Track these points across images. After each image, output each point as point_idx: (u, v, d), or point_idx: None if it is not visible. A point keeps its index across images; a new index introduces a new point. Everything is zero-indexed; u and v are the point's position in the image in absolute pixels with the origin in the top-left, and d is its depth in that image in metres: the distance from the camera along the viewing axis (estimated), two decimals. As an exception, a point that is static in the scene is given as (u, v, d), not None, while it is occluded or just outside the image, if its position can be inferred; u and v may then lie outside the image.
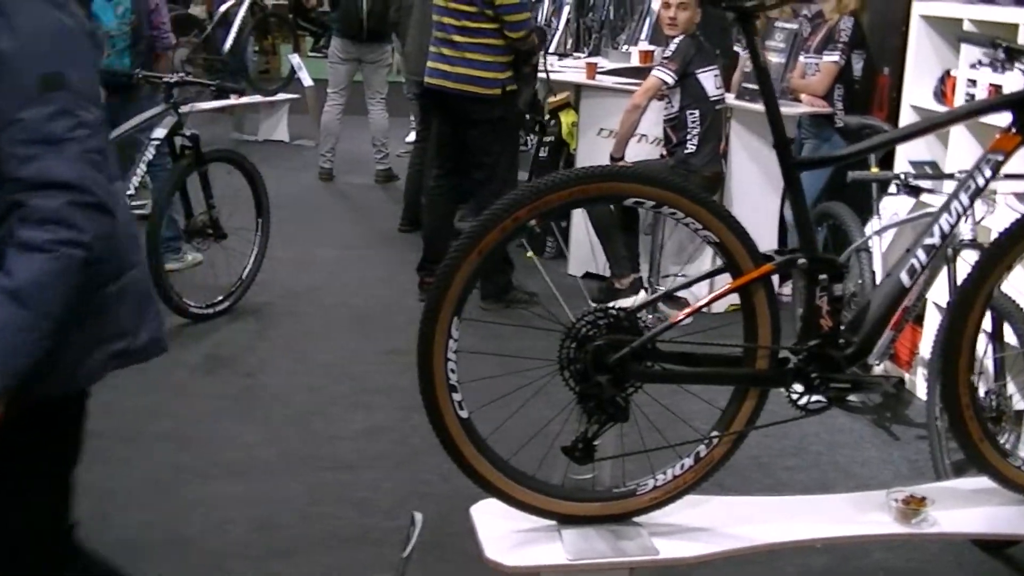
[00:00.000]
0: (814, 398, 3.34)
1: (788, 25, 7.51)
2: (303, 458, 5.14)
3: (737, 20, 3.23)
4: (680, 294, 5.53)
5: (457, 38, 7.10)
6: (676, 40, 7.10)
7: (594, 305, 3.15)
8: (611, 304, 3.20)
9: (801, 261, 3.25)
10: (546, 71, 7.88)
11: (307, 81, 12.34)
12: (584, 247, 7.91)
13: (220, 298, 7.00)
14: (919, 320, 5.96)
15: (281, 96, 12.83)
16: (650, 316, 3.16)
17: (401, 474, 5.03)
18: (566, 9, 11.16)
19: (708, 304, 3.26)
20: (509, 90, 7.13)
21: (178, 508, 4.67)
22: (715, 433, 3.35)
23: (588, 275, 7.92)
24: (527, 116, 8.00)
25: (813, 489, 4.90)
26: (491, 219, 3.01)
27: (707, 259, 7.44)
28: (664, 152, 7.36)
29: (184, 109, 6.72)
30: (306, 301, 7.45)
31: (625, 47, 9.74)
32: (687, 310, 3.24)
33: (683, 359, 3.25)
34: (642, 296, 7.07)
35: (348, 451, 5.24)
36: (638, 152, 7.40)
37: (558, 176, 3.06)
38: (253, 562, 4.31)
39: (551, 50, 9.96)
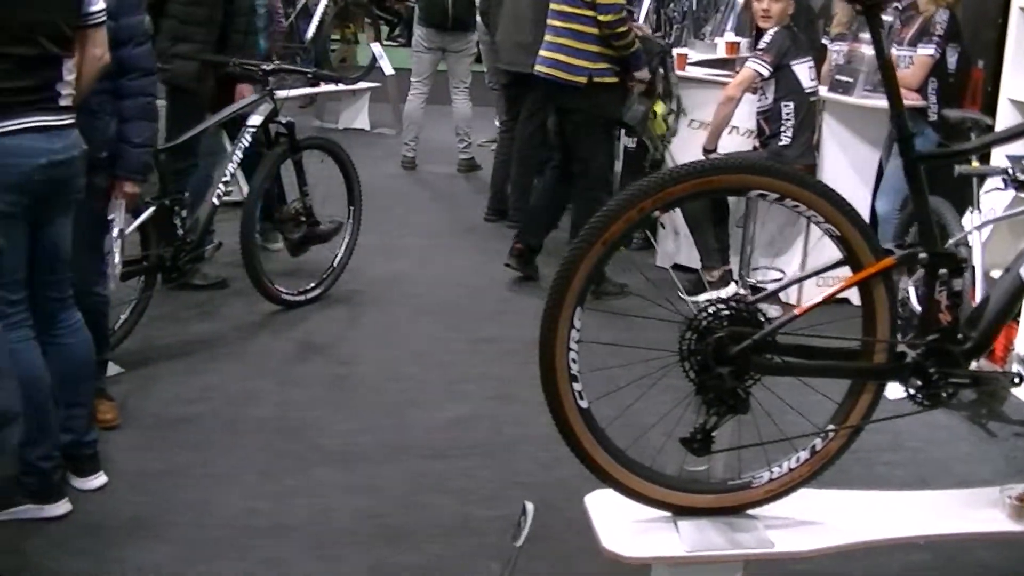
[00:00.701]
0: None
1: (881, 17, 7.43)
2: (400, 447, 5.15)
3: (863, 12, 3.21)
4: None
5: (555, 22, 7.15)
6: (770, 32, 7.05)
7: (712, 297, 3.15)
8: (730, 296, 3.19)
9: (922, 256, 3.23)
10: (673, 94, 7.73)
11: (388, 70, 12.36)
12: (672, 238, 7.90)
13: (311, 285, 7.04)
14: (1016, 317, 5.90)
15: (363, 85, 12.85)
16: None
17: (497, 463, 5.04)
18: (644, 4, 11.12)
19: (830, 297, 3.23)
20: (598, 81, 7.10)
21: (281, 495, 4.69)
22: (831, 427, 3.34)
23: (676, 266, 7.90)
24: (632, 131, 7.91)
25: (913, 485, 4.85)
26: (616, 209, 3.01)
27: (797, 252, 7.40)
28: (757, 144, 7.31)
29: (280, 95, 6.73)
30: (395, 290, 7.47)
31: (711, 38, 9.68)
32: (809, 303, 3.22)
33: (802, 352, 3.25)
34: (732, 288, 7.04)
35: (443, 440, 5.25)
36: (729, 144, 7.34)
37: (684, 167, 3.06)
38: (358, 549, 4.32)
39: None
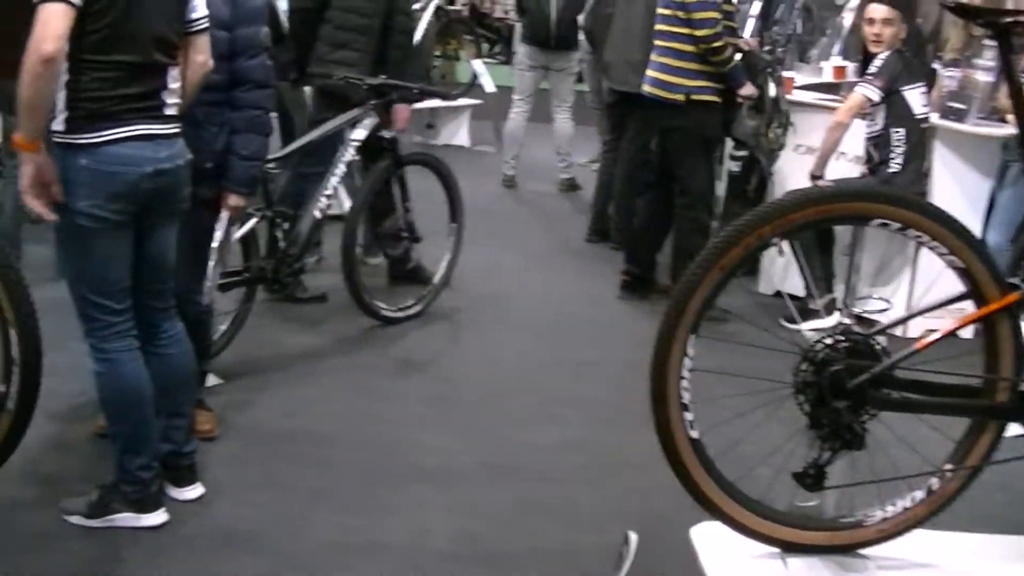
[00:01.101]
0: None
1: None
2: (501, 468, 5.09)
3: (994, 36, 3.11)
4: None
5: (657, 42, 7.11)
6: (881, 56, 6.93)
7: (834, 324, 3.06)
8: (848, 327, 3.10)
9: (1050, 290, 3.11)
10: (781, 109, 7.62)
11: (489, 87, 12.33)
12: (777, 265, 7.77)
13: (411, 302, 7.01)
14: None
15: (463, 101, 12.85)
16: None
17: (597, 490, 4.95)
18: (749, 22, 10.98)
19: (953, 331, 3.13)
20: (696, 99, 7.02)
21: (379, 513, 4.64)
22: (949, 467, 3.23)
23: (778, 294, 7.77)
24: (744, 145, 7.82)
25: (1025, 527, 4.72)
26: (734, 234, 2.94)
27: (904, 282, 7.26)
28: (866, 170, 7.18)
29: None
30: (495, 309, 7.43)
31: (817, 62, 9.55)
32: (931, 337, 3.11)
33: (921, 388, 3.14)
34: (836, 317, 6.91)
35: (544, 463, 5.17)
36: (837, 170, 7.22)
37: (804, 193, 2.99)
38: (455, 572, 4.28)
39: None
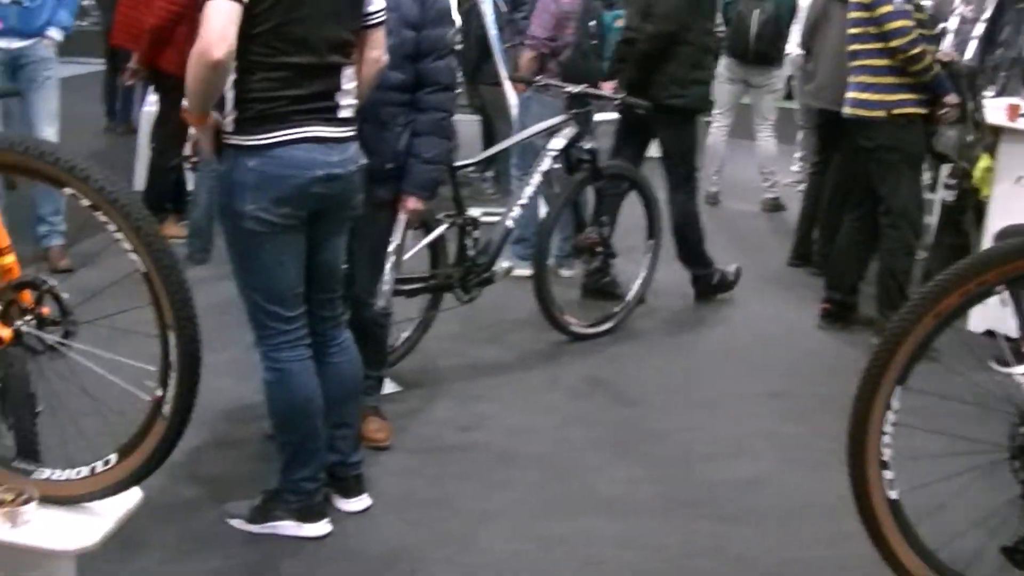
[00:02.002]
0: None
1: None
2: (681, 503, 4.83)
3: None
4: None
5: (853, 63, 6.77)
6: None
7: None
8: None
9: None
10: (979, 120, 7.27)
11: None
12: (990, 301, 7.34)
13: (602, 318, 6.79)
14: None
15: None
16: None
17: (781, 534, 4.63)
18: (972, 44, 10.49)
19: None
20: (897, 114, 6.66)
21: (548, 540, 4.43)
22: None
23: (988, 332, 7.35)
24: (946, 159, 7.47)
25: None
26: (952, 280, 2.66)
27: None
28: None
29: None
30: (688, 331, 7.16)
31: (1045, 88, 9.07)
32: None
33: None
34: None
35: (727, 501, 4.88)
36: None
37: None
38: (621, 610, 4.05)
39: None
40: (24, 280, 3.05)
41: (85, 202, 2.85)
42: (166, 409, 2.97)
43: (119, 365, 3.17)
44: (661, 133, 7.37)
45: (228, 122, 3.85)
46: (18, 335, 3.02)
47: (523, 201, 6.29)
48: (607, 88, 7.17)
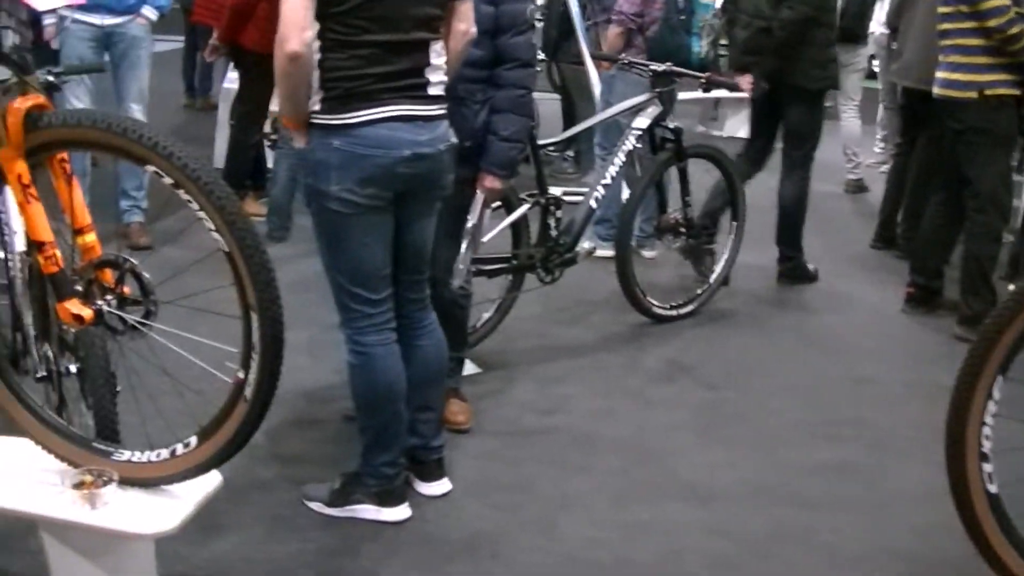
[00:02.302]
0: None
1: None
2: (766, 489, 4.73)
3: None
4: None
5: (943, 42, 6.61)
6: None
7: None
8: None
9: None
10: None
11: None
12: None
13: (684, 300, 6.70)
14: None
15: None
16: None
17: (869, 522, 4.52)
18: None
19: None
20: (989, 95, 6.49)
21: (630, 527, 4.35)
22: None
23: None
24: None
25: None
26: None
27: None
28: None
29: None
30: (770, 314, 7.04)
31: None
32: None
33: None
34: None
35: (813, 487, 4.78)
36: None
37: None
38: (707, 600, 3.97)
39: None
40: (106, 259, 3.01)
41: (167, 180, 2.80)
42: (248, 392, 2.92)
43: (200, 346, 3.13)
44: (792, 114, 7.31)
45: (315, 101, 3.79)
46: (99, 315, 2.98)
47: (606, 181, 6.20)
48: (744, 83, 7.08)
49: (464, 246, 4.86)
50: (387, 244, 3.97)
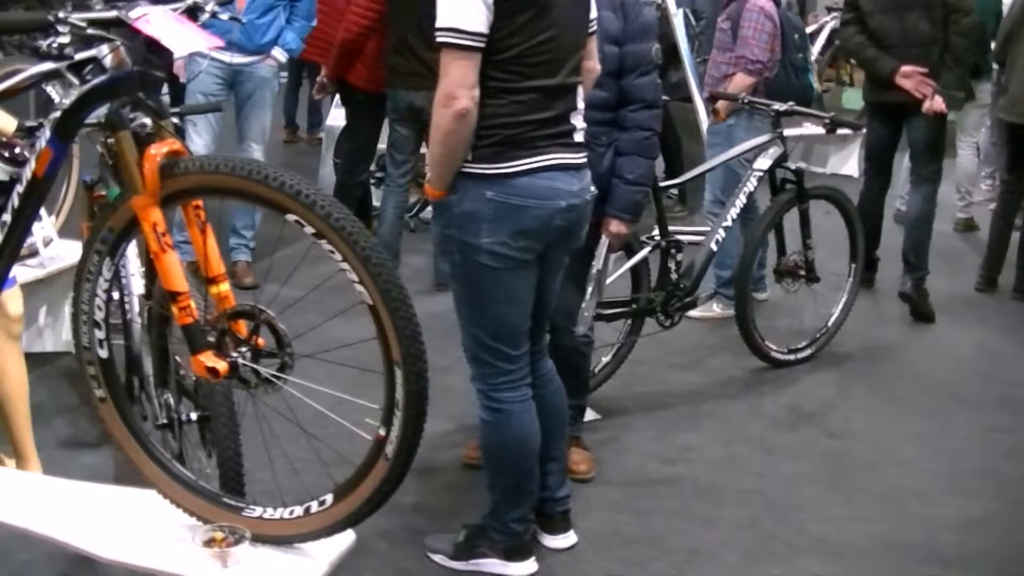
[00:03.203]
0: None
1: None
2: (898, 544, 4.56)
3: None
4: None
5: None
6: None
7: None
8: None
9: None
10: None
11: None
12: None
13: (802, 344, 6.54)
14: None
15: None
16: None
17: (1007, 580, 4.38)
18: None
19: None
20: None
21: (764, 584, 4.21)
22: None
23: None
24: None
25: None
26: None
27: None
28: None
29: (790, 134, 6.25)
30: (889, 358, 6.84)
31: None
32: None
33: None
34: None
35: (947, 543, 4.59)
36: None
37: None
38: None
39: None
40: (240, 309, 2.91)
41: (309, 230, 2.69)
42: (389, 450, 2.81)
43: (336, 400, 3.03)
44: (922, 131, 7.28)
45: None
46: (234, 368, 2.88)
47: (727, 223, 6.05)
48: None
49: (589, 292, 4.74)
50: (531, 299, 3.85)
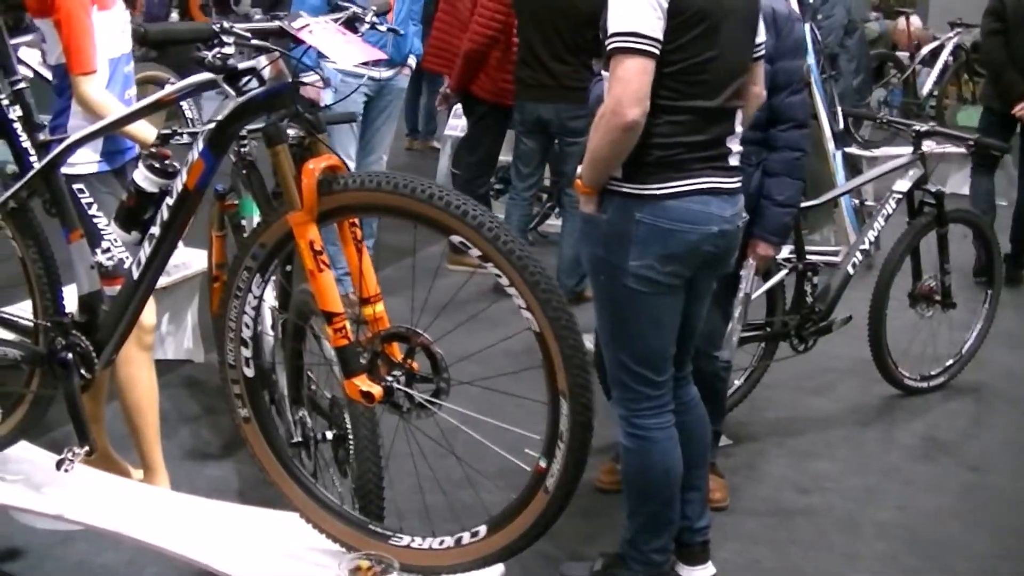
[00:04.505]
0: None
1: None
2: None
3: None
4: None
5: None
6: None
7: None
8: None
9: None
10: None
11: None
12: None
13: (935, 371, 6.32)
14: None
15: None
16: None
17: None
18: None
19: None
20: None
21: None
22: None
23: None
24: None
25: None
26: None
27: None
28: None
29: (931, 150, 6.03)
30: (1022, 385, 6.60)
31: None
32: None
33: None
34: None
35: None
36: None
37: None
38: None
39: None
40: (395, 331, 2.81)
41: (475, 252, 2.59)
42: (550, 482, 2.69)
43: (492, 428, 2.92)
44: None
45: (616, 168, 3.56)
46: (388, 393, 2.77)
47: (864, 246, 5.86)
48: None
49: (736, 316, 4.61)
50: (677, 324, 3.72)
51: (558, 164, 7.53)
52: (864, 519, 4.79)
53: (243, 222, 4.83)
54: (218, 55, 2.70)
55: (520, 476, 2.81)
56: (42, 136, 3.49)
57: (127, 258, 4.09)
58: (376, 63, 6.51)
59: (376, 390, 2.75)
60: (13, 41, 4.77)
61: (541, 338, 2.60)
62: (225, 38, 2.69)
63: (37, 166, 3.36)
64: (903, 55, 13.20)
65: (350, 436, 3.48)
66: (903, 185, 5.91)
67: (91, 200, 4.05)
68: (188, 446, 5.12)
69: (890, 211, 5.92)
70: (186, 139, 4.80)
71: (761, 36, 3.75)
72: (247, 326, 3.03)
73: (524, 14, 6.88)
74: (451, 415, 2.82)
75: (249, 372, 3.09)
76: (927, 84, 12.27)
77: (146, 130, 4.03)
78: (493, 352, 3.02)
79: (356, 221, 2.87)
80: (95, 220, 4.02)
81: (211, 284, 5.03)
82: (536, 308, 2.57)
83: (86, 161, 4.07)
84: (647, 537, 3.90)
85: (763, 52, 3.79)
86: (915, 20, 13.76)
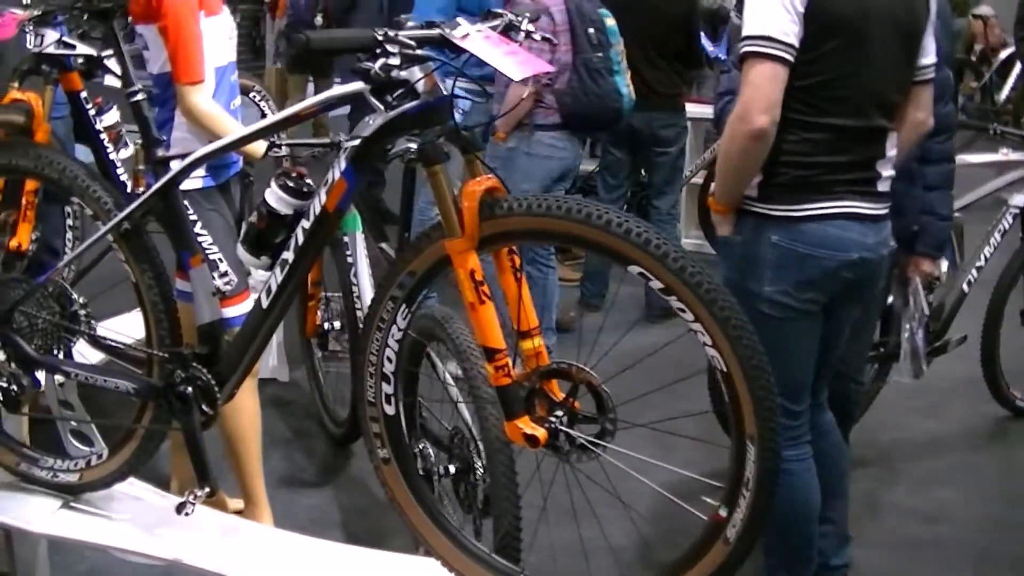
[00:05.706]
0: None
1: None
2: None
3: None
4: None
5: None
6: None
7: None
8: None
9: None
10: None
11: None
12: None
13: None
14: None
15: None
16: None
17: None
18: None
19: None
20: None
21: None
22: None
23: None
24: None
25: None
26: None
27: None
28: None
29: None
30: None
31: None
32: None
33: None
34: None
35: None
36: None
37: None
38: None
39: None
40: (556, 367, 2.59)
41: (656, 284, 2.36)
42: (731, 533, 2.46)
43: (660, 472, 2.71)
44: None
45: (752, 186, 3.36)
46: (553, 436, 2.55)
47: (980, 263, 5.60)
48: None
49: (919, 335, 4.44)
50: (815, 352, 3.52)
51: (647, 175, 7.31)
52: (996, 553, 4.55)
53: (345, 238, 4.65)
54: (383, 67, 2.48)
55: (680, 521, 2.59)
56: (160, 152, 3.29)
57: (236, 279, 3.91)
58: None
59: (540, 432, 2.54)
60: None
61: (727, 377, 2.37)
62: (389, 47, 2.47)
63: (156, 185, 3.14)
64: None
65: (478, 470, 3.30)
66: (1021, 200, 5.65)
67: (195, 218, 3.83)
68: (280, 472, 4.94)
69: (1007, 226, 5.65)
70: (284, 151, 4.69)
71: (929, 57, 3.52)
72: (389, 360, 2.82)
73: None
74: (615, 457, 2.60)
75: (390, 410, 2.87)
76: (1004, 90, 11.97)
77: (256, 143, 3.83)
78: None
79: (515, 249, 2.64)
80: (200, 239, 3.81)
81: (304, 302, 4.85)
82: (724, 346, 2.35)
83: (191, 176, 3.87)
84: (784, 574, 3.70)
85: (930, 75, 3.55)
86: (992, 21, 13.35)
